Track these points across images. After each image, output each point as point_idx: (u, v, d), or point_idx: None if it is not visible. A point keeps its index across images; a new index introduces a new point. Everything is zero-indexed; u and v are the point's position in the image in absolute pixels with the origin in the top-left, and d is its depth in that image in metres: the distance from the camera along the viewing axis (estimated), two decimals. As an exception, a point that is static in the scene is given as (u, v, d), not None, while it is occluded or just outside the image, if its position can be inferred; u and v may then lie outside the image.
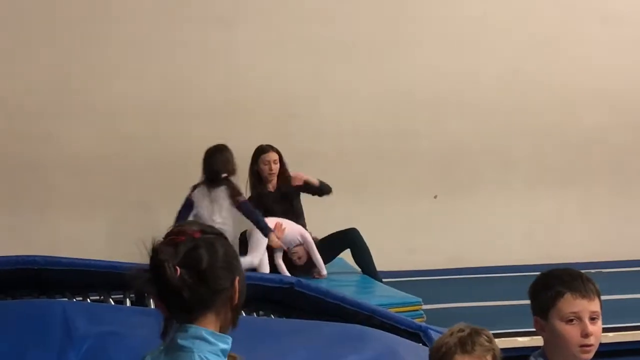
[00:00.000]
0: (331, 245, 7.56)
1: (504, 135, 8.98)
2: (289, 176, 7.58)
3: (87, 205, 8.40)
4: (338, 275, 7.43)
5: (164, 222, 7.27)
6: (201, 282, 2.19)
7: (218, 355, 2.19)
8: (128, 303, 4.87)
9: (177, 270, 2.16)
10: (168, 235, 2.25)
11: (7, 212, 8.25)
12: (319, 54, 8.67)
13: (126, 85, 8.42)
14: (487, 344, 2.80)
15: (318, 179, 7.53)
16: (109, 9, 8.49)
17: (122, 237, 7.60)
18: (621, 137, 9.17)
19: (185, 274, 2.17)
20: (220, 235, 2.30)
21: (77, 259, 4.78)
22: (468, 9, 8.99)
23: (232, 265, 2.27)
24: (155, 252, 2.19)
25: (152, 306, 4.84)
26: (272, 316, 4.96)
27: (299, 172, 7.55)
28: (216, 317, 2.23)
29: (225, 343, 2.22)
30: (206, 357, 2.16)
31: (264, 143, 7.64)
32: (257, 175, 7.58)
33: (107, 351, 3.46)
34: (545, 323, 2.98)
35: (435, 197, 8.88)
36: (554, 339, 2.95)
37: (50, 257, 4.63)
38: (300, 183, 7.54)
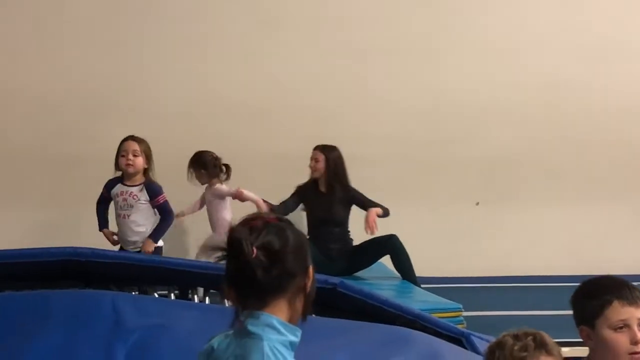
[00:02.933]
0: (371, 250, 7.58)
1: (549, 145, 8.93)
2: (344, 182, 7.66)
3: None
4: (377, 280, 7.43)
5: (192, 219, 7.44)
6: (275, 264, 2.20)
7: (287, 347, 2.19)
8: (172, 297, 4.91)
9: (253, 249, 2.18)
10: (244, 219, 2.27)
11: (49, 207, 8.33)
12: (361, 60, 8.67)
13: (164, 86, 8.49)
14: (554, 348, 2.74)
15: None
16: (148, 9, 8.56)
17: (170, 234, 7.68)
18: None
19: (261, 254, 2.18)
20: (291, 223, 2.32)
21: (122, 252, 4.85)
22: (515, 18, 8.96)
23: (305, 253, 2.28)
24: (232, 231, 2.22)
25: (196, 300, 4.94)
26: (314, 316, 4.96)
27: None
28: (288, 305, 2.23)
29: (294, 335, 2.23)
30: (276, 348, 2.16)
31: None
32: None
33: (154, 343, 3.48)
34: (592, 332, 2.96)
35: (477, 204, 8.85)
36: (602, 348, 2.93)
37: (97, 249, 4.67)
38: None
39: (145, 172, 6.55)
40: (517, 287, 8.30)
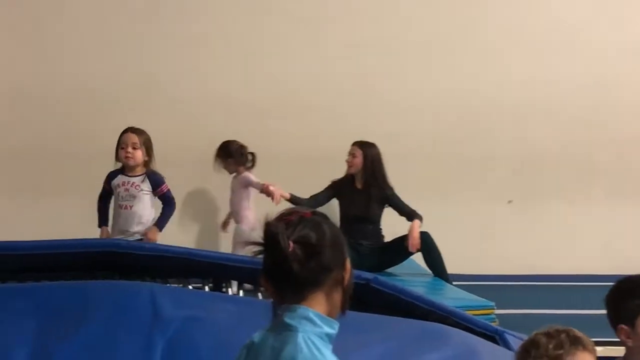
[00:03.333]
0: (402, 247, 7.56)
1: (582, 143, 8.87)
2: (381, 180, 7.65)
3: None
4: (409, 277, 7.42)
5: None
6: (312, 258, 2.22)
7: (322, 339, 2.20)
8: (206, 290, 4.94)
9: (290, 243, 2.20)
10: (280, 214, 2.29)
11: (78, 201, 8.38)
12: (398, 56, 8.67)
13: (211, 81, 8.53)
14: (589, 344, 2.73)
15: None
16: (193, 6, 8.60)
17: (202, 227, 7.75)
18: None
19: (297, 248, 2.20)
20: (327, 217, 2.33)
21: (159, 244, 4.89)
22: (552, 14, 8.91)
23: (341, 246, 2.31)
24: (268, 225, 2.23)
25: (230, 293, 4.97)
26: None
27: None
28: (326, 299, 2.24)
29: (331, 327, 2.23)
30: (310, 339, 2.17)
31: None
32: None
33: (192, 335, 3.51)
34: (632, 331, 2.95)
35: (510, 202, 8.83)
36: None
37: (134, 241, 4.71)
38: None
39: (146, 163, 6.54)
40: (549, 286, 8.27)
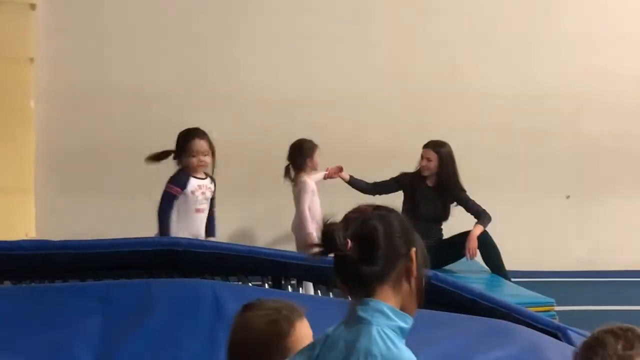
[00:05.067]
0: (460, 244, 7.50)
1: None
2: (454, 180, 7.54)
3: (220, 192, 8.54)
4: (467, 274, 7.36)
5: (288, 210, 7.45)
6: (371, 253, 2.22)
7: (396, 332, 2.20)
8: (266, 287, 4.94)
9: (347, 241, 2.20)
10: (345, 214, 2.30)
11: (136, 199, 8.45)
12: (454, 49, 8.63)
13: (260, 77, 8.55)
14: None
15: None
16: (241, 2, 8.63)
17: (258, 224, 7.75)
18: None
19: (356, 245, 2.20)
20: (393, 210, 2.33)
21: (219, 242, 4.90)
22: (610, 6, 8.80)
23: (405, 238, 2.28)
24: (326, 225, 2.25)
25: (290, 290, 4.96)
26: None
27: None
28: (394, 292, 2.23)
29: (404, 322, 2.23)
30: (384, 332, 2.17)
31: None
32: (418, 171, 7.60)
33: (255, 332, 3.49)
34: None
35: (568, 197, 8.74)
36: None
37: (195, 239, 4.72)
38: None
39: None
40: (608, 282, 8.18)
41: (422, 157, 7.53)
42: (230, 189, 8.47)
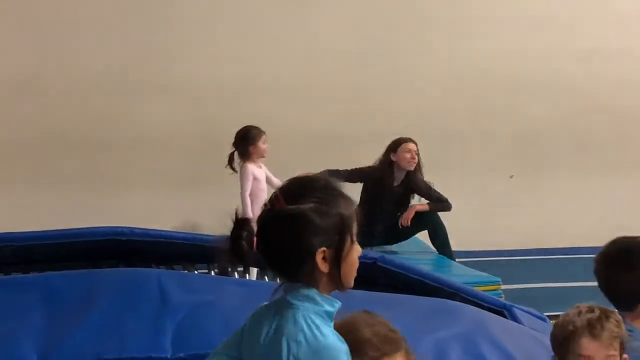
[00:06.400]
0: (412, 224, 7.55)
1: (582, 116, 8.84)
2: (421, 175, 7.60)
3: (161, 183, 8.48)
4: (414, 255, 7.42)
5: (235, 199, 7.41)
6: (279, 252, 2.24)
7: (322, 317, 2.22)
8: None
9: (252, 240, 2.24)
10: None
11: (84, 189, 8.37)
12: (397, 33, 8.63)
13: (201, 65, 8.48)
14: (615, 329, 2.68)
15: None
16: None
17: (200, 211, 7.69)
18: None
19: (262, 244, 2.24)
20: (307, 197, 2.27)
21: (164, 231, 4.86)
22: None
23: (322, 226, 2.24)
24: (234, 227, 2.27)
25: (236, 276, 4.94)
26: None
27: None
28: (319, 275, 2.23)
29: (331, 306, 2.25)
30: (309, 317, 2.19)
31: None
32: (389, 164, 7.55)
33: (201, 320, 3.48)
34: None
35: (512, 177, 8.80)
36: None
37: (138, 228, 4.69)
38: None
39: None
40: (554, 259, 8.28)
41: (409, 150, 7.51)
42: (173, 180, 8.45)
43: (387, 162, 7.58)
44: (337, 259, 2.23)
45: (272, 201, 2.27)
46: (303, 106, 8.46)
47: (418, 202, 7.64)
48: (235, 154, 7.28)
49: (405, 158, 7.53)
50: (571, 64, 8.77)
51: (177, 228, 7.70)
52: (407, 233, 7.61)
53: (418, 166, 7.58)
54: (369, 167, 7.63)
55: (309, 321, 2.17)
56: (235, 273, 5.01)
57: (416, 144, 7.57)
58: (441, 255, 7.45)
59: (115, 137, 8.40)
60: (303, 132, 8.41)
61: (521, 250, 8.43)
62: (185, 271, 4.90)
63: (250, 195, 7.19)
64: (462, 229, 7.72)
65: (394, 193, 7.56)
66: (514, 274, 7.43)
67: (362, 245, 2.35)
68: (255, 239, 2.24)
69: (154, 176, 8.50)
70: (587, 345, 2.65)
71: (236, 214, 2.28)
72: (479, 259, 7.84)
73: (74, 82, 8.42)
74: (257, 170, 7.21)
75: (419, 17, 8.62)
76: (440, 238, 7.50)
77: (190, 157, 8.55)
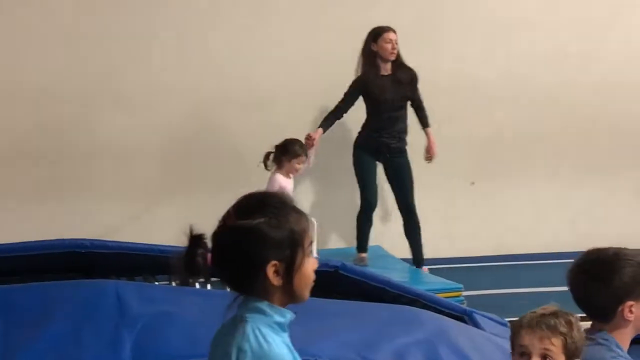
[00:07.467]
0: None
1: (544, 121, 8.81)
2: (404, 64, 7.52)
3: (126, 193, 8.43)
4: (375, 261, 7.44)
5: (203, 209, 7.38)
6: (231, 267, 2.28)
7: (272, 327, 2.25)
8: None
9: (206, 256, 2.28)
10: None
11: (44, 200, 8.31)
12: (348, 36, 8.52)
13: (162, 73, 8.44)
14: (562, 328, 2.71)
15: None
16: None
17: (160, 223, 7.66)
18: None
19: (216, 259, 2.28)
20: (259, 212, 2.29)
21: (124, 242, 4.84)
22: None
23: (262, 241, 2.26)
24: (189, 244, 2.31)
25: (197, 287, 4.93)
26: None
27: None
28: (271, 287, 2.25)
29: (282, 316, 2.27)
30: (258, 327, 2.22)
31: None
32: (372, 56, 7.46)
33: (160, 330, 3.48)
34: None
35: (473, 183, 8.80)
36: None
37: (98, 240, 4.67)
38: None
39: None
40: (516, 265, 8.32)
41: (390, 40, 7.41)
42: (141, 189, 8.40)
43: (368, 52, 7.44)
44: (289, 272, 2.26)
45: (225, 217, 2.31)
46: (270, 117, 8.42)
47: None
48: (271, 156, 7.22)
49: (386, 49, 7.41)
50: (535, 68, 8.77)
51: (143, 239, 7.68)
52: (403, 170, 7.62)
53: (400, 58, 7.49)
54: (354, 80, 7.51)
55: (257, 332, 2.21)
56: (197, 283, 5.00)
57: (395, 33, 7.45)
58: (402, 262, 7.51)
59: (76, 148, 8.33)
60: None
61: (486, 256, 8.44)
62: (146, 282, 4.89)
63: None
64: (425, 236, 7.71)
65: (385, 88, 7.41)
66: (478, 280, 7.46)
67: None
68: (209, 254, 2.28)
69: (118, 187, 8.45)
70: (524, 335, 2.73)
71: (190, 230, 2.32)
72: (443, 266, 7.87)
73: (31, 91, 8.33)
74: (285, 181, 7.22)
75: (382, 22, 8.49)
76: (417, 243, 7.55)
77: (156, 167, 8.49)
